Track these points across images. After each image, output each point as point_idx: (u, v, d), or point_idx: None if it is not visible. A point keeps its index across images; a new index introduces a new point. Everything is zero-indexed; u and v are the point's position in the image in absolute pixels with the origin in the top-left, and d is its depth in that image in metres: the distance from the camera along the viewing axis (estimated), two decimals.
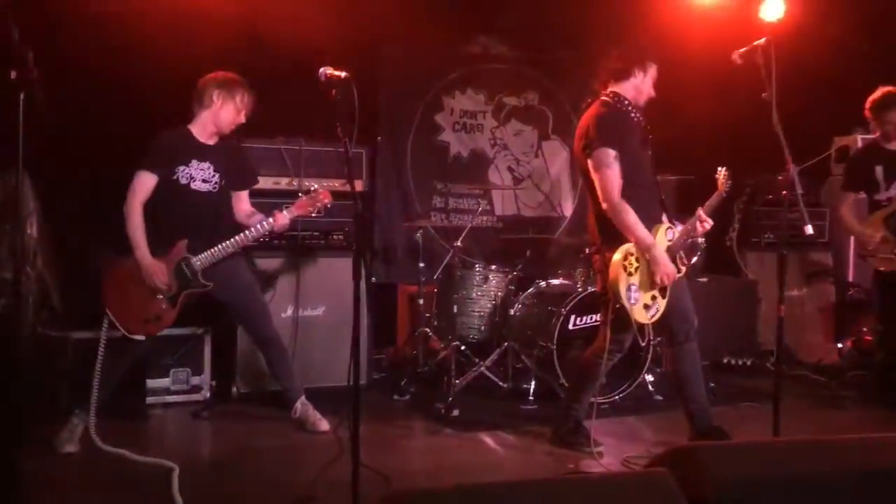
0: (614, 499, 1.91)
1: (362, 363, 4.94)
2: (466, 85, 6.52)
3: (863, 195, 5.05)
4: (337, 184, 4.85)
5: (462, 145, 6.55)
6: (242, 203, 4.30)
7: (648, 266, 3.76)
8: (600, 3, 6.26)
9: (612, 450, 4.00)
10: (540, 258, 5.60)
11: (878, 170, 4.84)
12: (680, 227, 3.90)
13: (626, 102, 3.89)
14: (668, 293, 3.82)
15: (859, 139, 5.85)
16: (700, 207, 3.87)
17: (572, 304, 4.77)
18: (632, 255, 3.73)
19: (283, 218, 4.09)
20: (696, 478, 1.96)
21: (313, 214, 4.20)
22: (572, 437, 4.03)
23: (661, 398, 4.93)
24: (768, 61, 3.57)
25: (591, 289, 4.81)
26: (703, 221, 3.86)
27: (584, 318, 4.81)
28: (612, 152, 3.73)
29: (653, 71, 3.92)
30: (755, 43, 3.62)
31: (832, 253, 6.26)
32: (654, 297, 3.79)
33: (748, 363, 5.77)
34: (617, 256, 3.71)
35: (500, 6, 6.24)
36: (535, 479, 2.52)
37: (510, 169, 6.71)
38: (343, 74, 3.20)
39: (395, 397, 4.99)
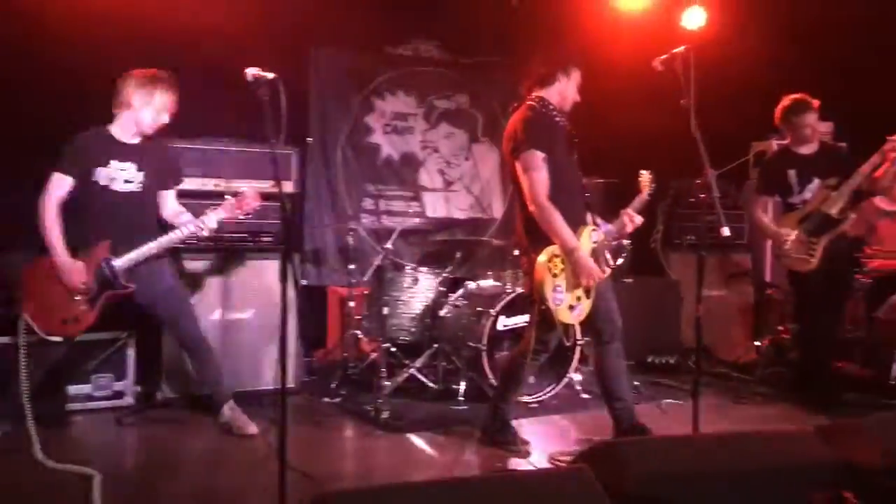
0: (537, 495, 1.96)
1: (292, 366, 4.94)
2: (397, 87, 6.54)
3: (777, 198, 5.23)
4: (267, 185, 4.79)
5: (393, 147, 6.56)
6: (169, 202, 4.23)
7: (573, 268, 3.83)
8: (529, 9, 6.35)
9: (539, 448, 4.07)
10: (470, 260, 5.64)
11: (791, 173, 5.00)
12: (605, 229, 3.99)
13: (552, 107, 3.95)
14: (593, 294, 3.90)
15: (775, 144, 6.04)
16: (624, 210, 3.97)
17: (501, 305, 4.83)
18: (557, 256, 3.78)
19: (212, 222, 4.04)
20: (616, 473, 2.03)
21: (241, 217, 4.15)
22: (500, 437, 4.08)
23: (588, 396, 5.03)
24: (687, 69, 3.65)
25: (519, 290, 4.88)
26: (631, 218, 3.95)
27: (514, 318, 4.87)
28: (539, 155, 3.78)
29: (576, 76, 3.99)
30: (675, 51, 3.72)
31: (751, 254, 6.47)
32: (578, 298, 3.86)
33: (671, 361, 5.90)
34: (542, 258, 3.76)
35: (432, 9, 6.27)
36: (462, 477, 2.55)
37: (441, 171, 6.75)
38: (271, 75, 3.17)
39: (326, 399, 4.97)
